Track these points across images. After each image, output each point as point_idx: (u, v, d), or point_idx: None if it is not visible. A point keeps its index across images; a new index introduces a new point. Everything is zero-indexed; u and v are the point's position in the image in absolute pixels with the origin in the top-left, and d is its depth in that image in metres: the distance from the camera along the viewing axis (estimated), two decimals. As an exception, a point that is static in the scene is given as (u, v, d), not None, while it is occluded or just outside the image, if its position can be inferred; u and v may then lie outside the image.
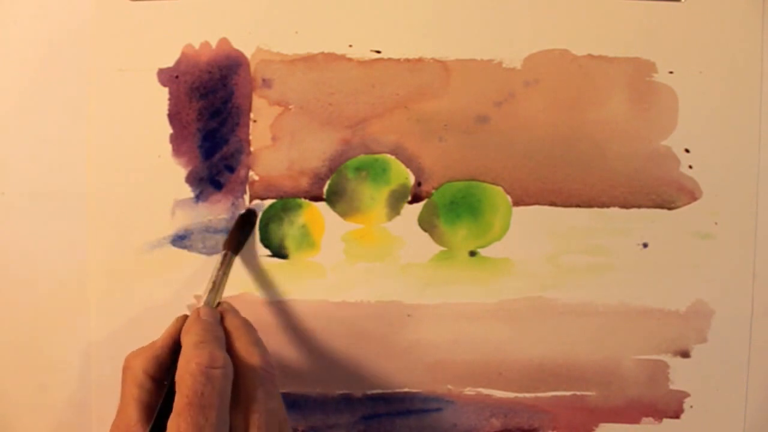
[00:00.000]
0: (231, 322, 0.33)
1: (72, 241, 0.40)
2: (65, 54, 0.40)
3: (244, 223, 0.40)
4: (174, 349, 0.32)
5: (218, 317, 0.33)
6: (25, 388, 0.42)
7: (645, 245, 0.40)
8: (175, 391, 0.29)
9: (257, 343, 0.32)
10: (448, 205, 0.40)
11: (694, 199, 0.40)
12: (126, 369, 0.31)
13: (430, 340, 0.41)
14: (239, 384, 0.30)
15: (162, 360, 0.31)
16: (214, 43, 0.40)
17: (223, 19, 0.40)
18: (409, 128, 0.40)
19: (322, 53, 0.40)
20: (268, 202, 0.40)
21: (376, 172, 0.40)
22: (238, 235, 0.39)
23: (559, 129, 0.40)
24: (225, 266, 0.36)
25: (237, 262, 0.40)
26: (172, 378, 0.30)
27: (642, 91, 0.40)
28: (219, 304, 0.35)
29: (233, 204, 0.40)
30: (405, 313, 0.41)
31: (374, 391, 0.41)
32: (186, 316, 0.33)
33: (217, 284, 0.35)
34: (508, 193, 0.40)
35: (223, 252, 0.37)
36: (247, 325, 0.33)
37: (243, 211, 0.40)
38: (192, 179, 0.40)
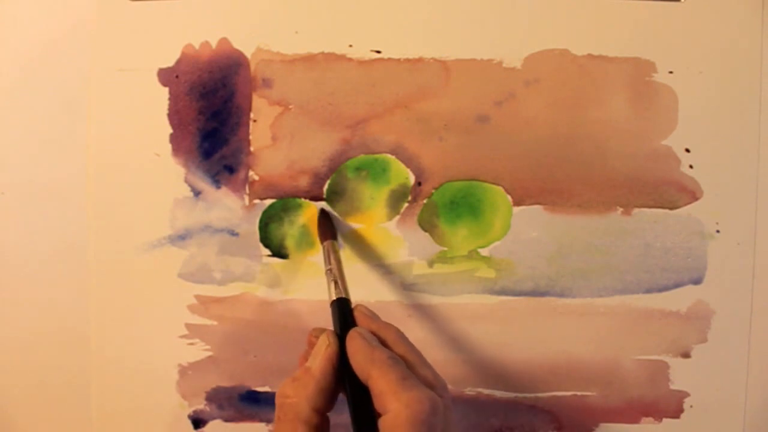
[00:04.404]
0: (396, 347, 0.30)
1: (72, 241, 0.40)
2: (65, 54, 0.40)
3: (323, 217, 0.39)
4: (334, 373, 0.29)
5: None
6: (25, 388, 0.42)
7: (645, 245, 0.40)
8: (359, 417, 0.27)
9: (423, 365, 0.29)
10: (448, 205, 0.40)
11: (695, 198, 0.40)
12: (287, 406, 0.28)
13: (430, 340, 0.41)
14: None
15: (328, 391, 0.29)
16: (214, 43, 0.40)
17: (223, 19, 0.40)
18: (409, 128, 0.40)
19: (322, 53, 0.40)
20: (268, 202, 0.40)
21: (376, 171, 0.40)
22: (325, 226, 0.38)
23: (559, 129, 0.40)
24: (334, 255, 0.35)
25: (237, 262, 0.40)
26: (357, 402, 0.28)
27: (642, 91, 0.40)
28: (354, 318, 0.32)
29: (233, 204, 0.40)
30: (405, 313, 0.40)
31: (374, 391, 0.41)
32: (321, 329, 0.31)
33: (338, 274, 0.34)
34: (509, 192, 0.40)
35: (324, 244, 0.36)
36: (412, 349, 0.30)
37: (318, 211, 0.40)
38: (192, 179, 0.40)
